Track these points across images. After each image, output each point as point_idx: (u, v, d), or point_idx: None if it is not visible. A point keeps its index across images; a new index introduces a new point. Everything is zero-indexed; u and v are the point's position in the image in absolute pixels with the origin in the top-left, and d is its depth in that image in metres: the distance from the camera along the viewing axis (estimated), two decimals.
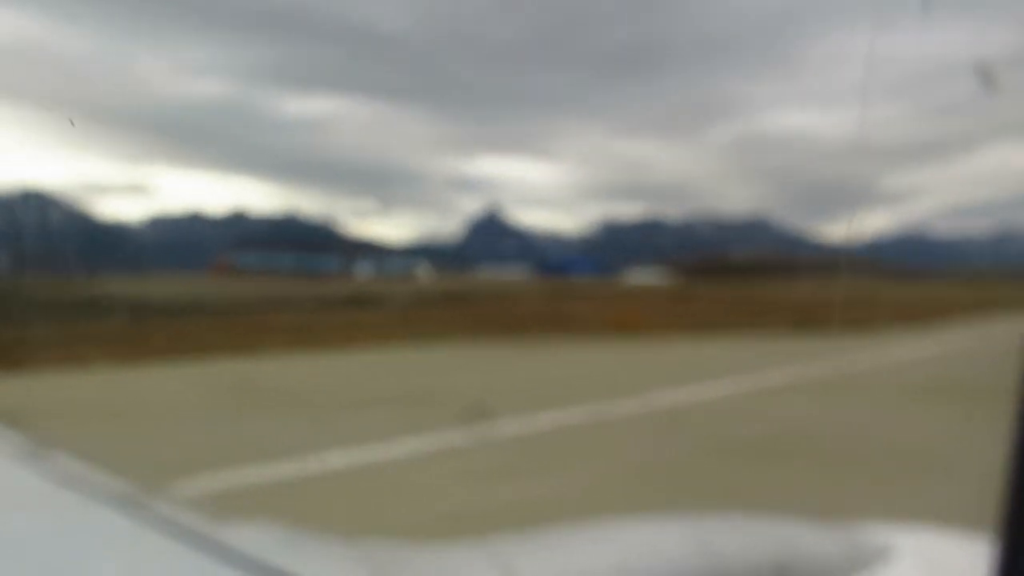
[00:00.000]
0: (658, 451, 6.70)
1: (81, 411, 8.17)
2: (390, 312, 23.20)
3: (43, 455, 1.68)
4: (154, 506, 1.38)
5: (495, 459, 6.37)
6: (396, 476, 5.82)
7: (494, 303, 27.48)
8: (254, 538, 1.27)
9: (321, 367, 12.00)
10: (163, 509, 1.36)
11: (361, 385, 10.37)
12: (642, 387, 9.77)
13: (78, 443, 5.75)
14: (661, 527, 1.58)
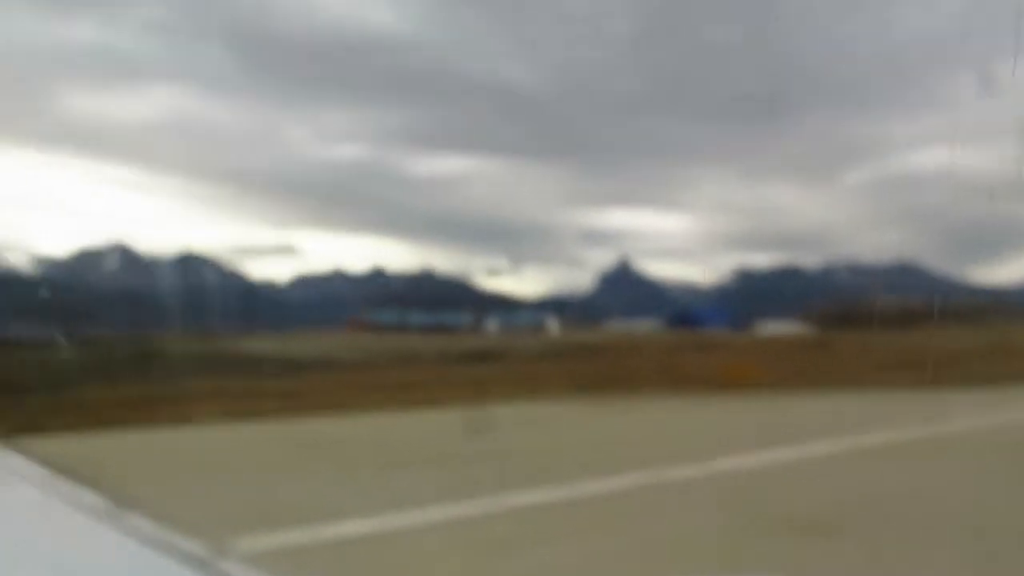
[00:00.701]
0: (694, 525, 6.44)
1: (166, 466, 8.78)
2: (510, 366, 23.45)
3: (120, 513, 1.85)
4: (225, 567, 1.51)
5: (537, 525, 6.39)
6: (439, 540, 5.98)
7: (617, 357, 27.23)
8: None
9: (420, 424, 12.44)
10: (234, 570, 1.49)
11: (444, 442, 10.67)
12: (729, 449, 9.49)
13: (157, 497, 6.16)
14: None
